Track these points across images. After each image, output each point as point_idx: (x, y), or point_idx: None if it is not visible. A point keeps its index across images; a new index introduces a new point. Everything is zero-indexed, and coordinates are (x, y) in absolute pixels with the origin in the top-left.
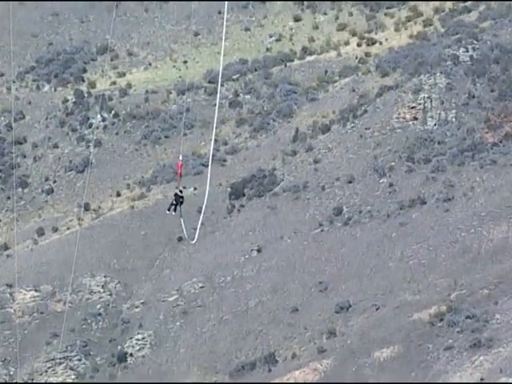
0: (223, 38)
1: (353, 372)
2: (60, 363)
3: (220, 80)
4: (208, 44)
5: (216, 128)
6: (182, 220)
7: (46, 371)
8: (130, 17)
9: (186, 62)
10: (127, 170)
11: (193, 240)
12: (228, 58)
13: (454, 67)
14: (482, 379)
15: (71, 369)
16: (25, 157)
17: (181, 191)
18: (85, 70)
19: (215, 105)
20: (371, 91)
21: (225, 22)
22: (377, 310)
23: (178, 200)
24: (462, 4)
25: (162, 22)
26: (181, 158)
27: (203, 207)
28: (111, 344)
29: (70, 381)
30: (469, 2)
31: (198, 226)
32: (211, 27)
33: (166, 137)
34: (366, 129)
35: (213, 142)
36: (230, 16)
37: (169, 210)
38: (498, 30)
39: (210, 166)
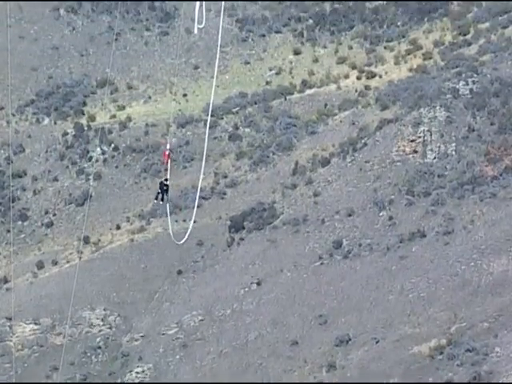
0: (217, 63)
1: None
2: None
3: (213, 97)
4: (208, 77)
5: (216, 161)
6: (167, 207)
7: None
8: (129, 50)
9: (185, 95)
10: (127, 203)
11: (180, 241)
12: (228, 91)
13: (453, 100)
14: None
15: None
16: (24, 190)
17: (166, 179)
18: (85, 104)
19: (215, 138)
20: (371, 124)
21: (221, 25)
22: (377, 343)
23: (163, 188)
24: (461, 37)
25: (161, 56)
26: (168, 147)
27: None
28: (111, 377)
29: None
30: (469, 35)
31: (191, 222)
32: (211, 60)
33: (166, 169)
34: (365, 162)
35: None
36: (230, 49)
37: (156, 199)
38: (498, 64)
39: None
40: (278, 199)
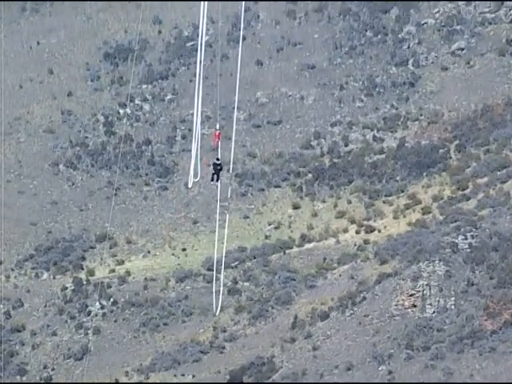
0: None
1: None
2: None
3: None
4: (207, 231)
5: (215, 315)
6: (218, 184)
7: None
8: (128, 205)
9: (184, 249)
10: (126, 357)
11: (216, 312)
12: (227, 245)
13: (452, 255)
14: None
15: None
16: (23, 344)
17: (218, 159)
18: (84, 258)
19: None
20: (370, 278)
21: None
22: None
23: (217, 168)
24: (460, 192)
25: (160, 210)
26: (218, 127)
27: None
28: None
29: None
30: (467, 190)
31: (221, 293)
32: (210, 215)
33: (165, 324)
34: (364, 316)
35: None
36: (229, 204)
37: (212, 180)
38: (497, 218)
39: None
40: (277, 353)
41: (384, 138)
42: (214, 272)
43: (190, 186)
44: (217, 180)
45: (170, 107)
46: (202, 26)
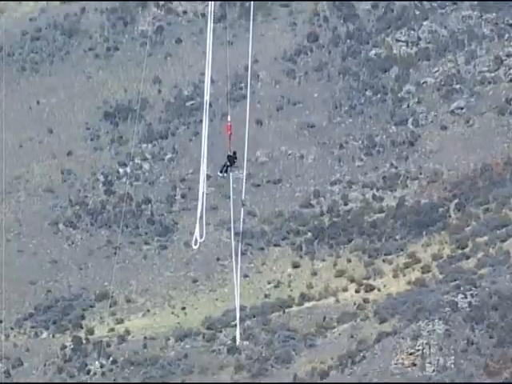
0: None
1: None
2: None
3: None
4: (206, 291)
5: (214, 374)
6: (231, 175)
7: None
8: (128, 264)
9: (184, 308)
10: None
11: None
12: (226, 304)
13: (452, 313)
14: None
15: None
16: None
17: (234, 152)
18: (83, 317)
19: (214, 351)
20: (370, 337)
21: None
22: None
23: (232, 160)
24: (460, 251)
25: (160, 269)
26: (229, 119)
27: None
28: None
29: None
30: (467, 249)
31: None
32: (210, 274)
33: (164, 383)
34: (364, 375)
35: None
36: (229, 262)
37: (221, 171)
38: (497, 277)
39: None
40: None
41: (383, 196)
42: (237, 301)
43: (196, 246)
44: (226, 172)
45: (170, 166)
46: (206, 84)
